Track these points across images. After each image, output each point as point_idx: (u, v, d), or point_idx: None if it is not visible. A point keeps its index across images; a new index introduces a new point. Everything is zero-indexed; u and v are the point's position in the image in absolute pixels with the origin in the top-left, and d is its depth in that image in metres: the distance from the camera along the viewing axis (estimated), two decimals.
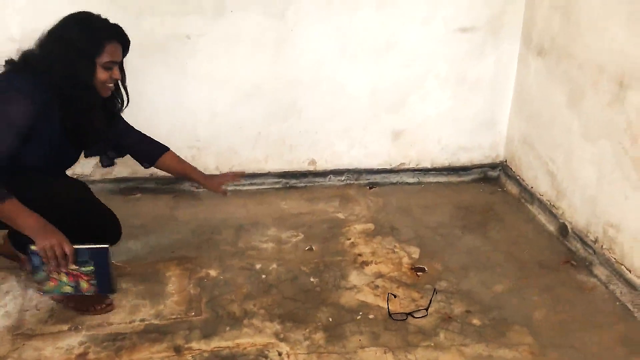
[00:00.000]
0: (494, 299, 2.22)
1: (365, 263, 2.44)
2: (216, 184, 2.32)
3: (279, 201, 3.00)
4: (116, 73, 1.91)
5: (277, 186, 3.17)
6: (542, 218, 2.83)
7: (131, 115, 2.90)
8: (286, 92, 2.99)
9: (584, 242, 2.48)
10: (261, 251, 2.52)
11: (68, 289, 1.91)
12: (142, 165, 2.32)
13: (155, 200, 2.96)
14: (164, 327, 2.02)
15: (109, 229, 2.11)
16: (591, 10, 2.39)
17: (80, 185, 2.05)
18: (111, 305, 2.11)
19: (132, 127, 2.23)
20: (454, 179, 3.30)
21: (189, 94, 2.91)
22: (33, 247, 1.79)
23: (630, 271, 2.20)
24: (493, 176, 3.33)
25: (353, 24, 2.90)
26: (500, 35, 3.02)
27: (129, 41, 1.95)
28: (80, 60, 1.83)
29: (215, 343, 1.94)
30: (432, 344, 1.96)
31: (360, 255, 2.50)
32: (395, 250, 2.55)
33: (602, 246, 2.37)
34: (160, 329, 2.01)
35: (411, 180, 3.28)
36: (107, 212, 2.10)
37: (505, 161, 3.27)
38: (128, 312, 2.10)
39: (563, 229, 2.63)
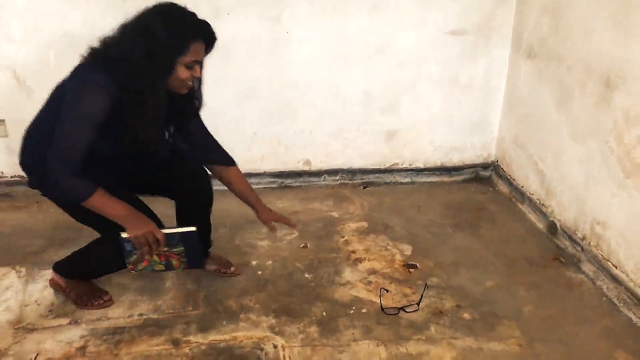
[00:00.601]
0: (484, 295, 2.27)
1: (359, 260, 2.49)
2: (267, 217, 2.23)
3: (275, 200, 3.05)
4: (197, 71, 1.84)
5: (272, 186, 3.23)
6: (532, 216, 2.89)
7: None
8: (281, 94, 3.05)
9: (572, 240, 2.54)
10: (257, 248, 2.57)
11: (160, 267, 1.98)
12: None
13: (154, 199, 2.99)
14: (162, 321, 2.07)
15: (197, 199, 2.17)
16: (579, 14, 2.46)
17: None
18: (110, 300, 2.16)
19: (207, 130, 2.15)
20: (446, 178, 3.36)
21: None
22: (124, 235, 1.85)
23: (616, 267, 2.26)
24: (485, 176, 3.39)
25: (347, 28, 2.96)
26: (491, 38, 3.09)
27: (216, 39, 1.85)
28: (160, 59, 1.74)
29: (212, 336, 1.99)
30: (424, 337, 2.01)
31: (353, 252, 2.55)
32: (388, 247, 2.61)
33: (589, 243, 2.43)
34: (158, 323, 2.06)
35: (404, 180, 3.33)
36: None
37: (497, 161, 3.33)
38: (127, 307, 2.15)
39: (552, 227, 2.69)
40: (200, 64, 1.86)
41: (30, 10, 2.73)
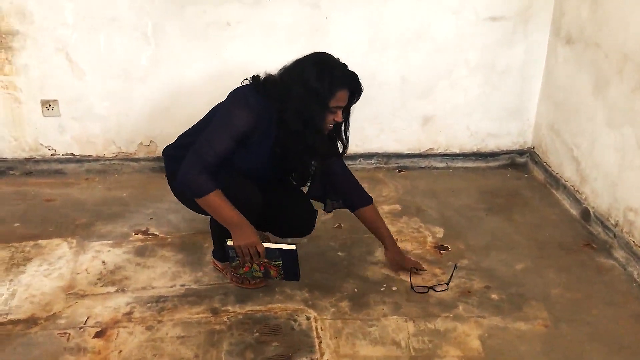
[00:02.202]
0: (513, 277, 2.32)
1: None
2: (393, 258, 2.30)
3: None
4: (339, 116, 2.00)
5: None
6: (566, 203, 2.91)
7: (173, 96, 3.10)
8: None
9: (605, 226, 2.55)
10: None
11: (258, 274, 2.11)
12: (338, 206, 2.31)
13: None
14: (203, 292, 2.19)
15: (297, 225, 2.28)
16: (617, 1, 2.45)
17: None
18: (263, 282, 2.22)
19: (347, 170, 2.27)
20: (481, 164, 3.39)
21: (226, 78, 3.03)
22: (230, 242, 2.00)
23: None
24: (521, 162, 3.40)
25: (385, 13, 3.02)
26: (530, 25, 3.09)
27: (361, 90, 2.03)
28: (313, 103, 1.93)
29: (249, 307, 2.10)
30: (451, 315, 2.08)
31: None
32: (420, 230, 2.67)
33: (622, 230, 2.44)
34: (199, 293, 2.18)
35: (439, 165, 3.38)
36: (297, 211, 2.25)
37: (533, 148, 3.34)
38: (170, 277, 2.28)
39: (585, 214, 2.71)
40: (344, 110, 2.04)
41: None
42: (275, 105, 1.98)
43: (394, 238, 2.35)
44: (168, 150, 2.26)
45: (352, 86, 2.00)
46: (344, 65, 2.01)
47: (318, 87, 1.92)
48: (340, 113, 2.01)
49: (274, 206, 2.16)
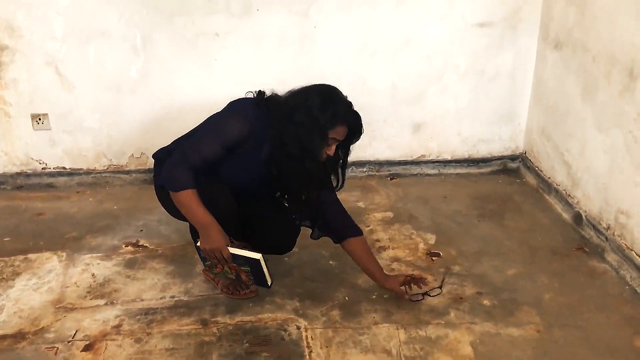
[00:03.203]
0: (506, 282, 2.31)
1: (383, 248, 2.55)
2: (393, 284, 2.15)
3: None
4: (332, 150, 1.99)
5: None
6: (559, 207, 2.90)
7: (163, 107, 3.11)
8: None
9: (596, 230, 2.54)
10: None
11: (231, 277, 2.12)
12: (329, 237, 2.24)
13: None
14: (192, 303, 2.17)
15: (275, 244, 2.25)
16: (603, 5, 2.46)
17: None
18: (253, 292, 2.21)
19: (338, 201, 2.19)
20: (473, 170, 3.38)
21: (216, 88, 3.05)
22: (198, 243, 2.00)
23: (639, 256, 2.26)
24: (513, 168, 3.40)
25: (373, 21, 3.02)
26: (518, 30, 3.09)
27: (362, 132, 2.03)
28: (313, 131, 1.92)
29: (239, 317, 2.09)
30: (443, 322, 2.07)
31: (378, 240, 2.61)
32: (412, 237, 2.66)
33: (613, 233, 2.43)
34: (188, 305, 2.17)
35: (431, 171, 3.37)
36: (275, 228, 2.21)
37: (525, 153, 3.34)
38: (159, 289, 2.26)
39: (577, 218, 2.70)
40: (340, 146, 2.03)
41: (70, 9, 2.87)
42: (273, 125, 1.97)
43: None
44: (159, 153, 2.23)
45: (352, 125, 1.99)
46: (349, 103, 2.00)
47: (319, 117, 1.91)
48: (334, 147, 2.00)
49: (255, 218, 2.16)
